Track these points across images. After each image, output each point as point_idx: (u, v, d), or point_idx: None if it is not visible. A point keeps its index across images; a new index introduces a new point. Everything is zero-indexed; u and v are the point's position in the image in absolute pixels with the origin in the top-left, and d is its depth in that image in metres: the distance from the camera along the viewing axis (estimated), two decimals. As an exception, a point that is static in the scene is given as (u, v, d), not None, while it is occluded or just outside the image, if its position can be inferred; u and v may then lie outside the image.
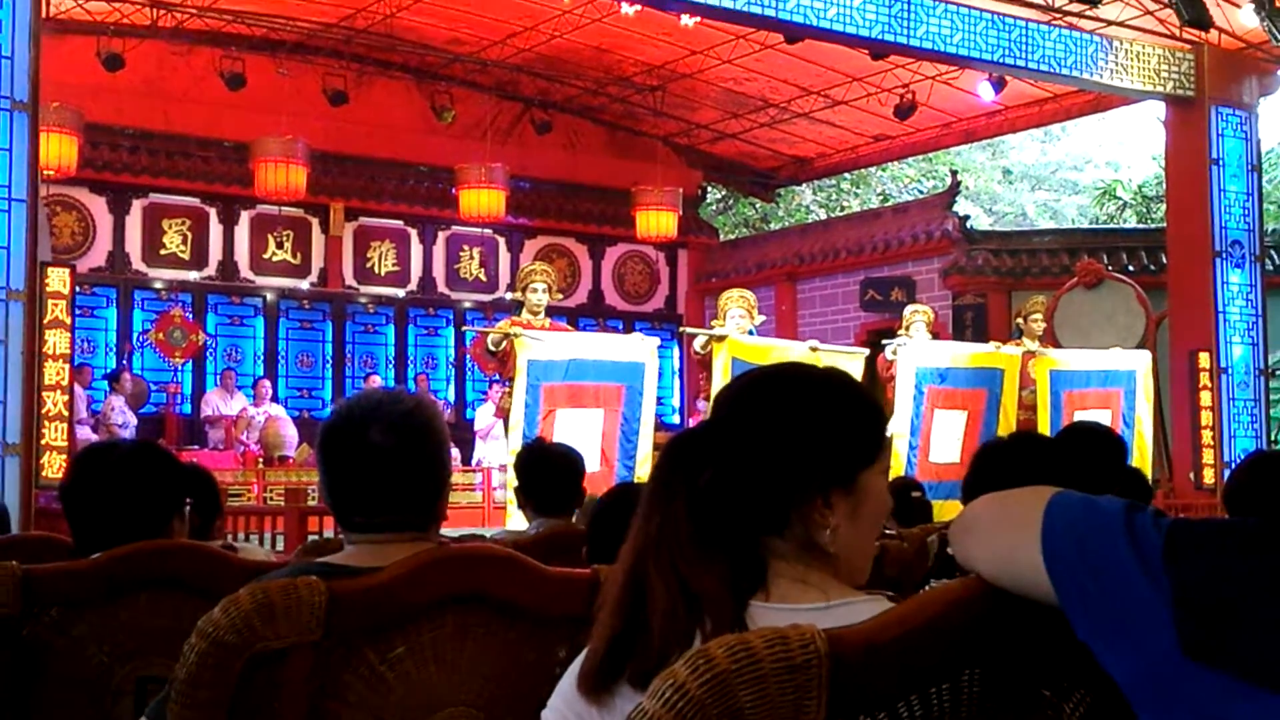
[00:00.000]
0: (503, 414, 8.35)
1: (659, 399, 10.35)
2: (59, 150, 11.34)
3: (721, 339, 8.26)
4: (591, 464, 6.93)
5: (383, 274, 15.12)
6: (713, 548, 1.24)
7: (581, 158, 15.85)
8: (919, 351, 9.28)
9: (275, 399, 13.57)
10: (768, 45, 12.48)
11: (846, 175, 20.60)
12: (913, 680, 0.98)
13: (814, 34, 10.19)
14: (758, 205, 20.89)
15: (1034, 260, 14.01)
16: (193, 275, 14.10)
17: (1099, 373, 10.05)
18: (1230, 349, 11.38)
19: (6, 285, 6.90)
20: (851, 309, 15.00)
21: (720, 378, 8.02)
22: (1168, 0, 10.25)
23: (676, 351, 15.84)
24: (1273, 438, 12.13)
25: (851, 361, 8.75)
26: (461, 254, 15.58)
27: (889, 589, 1.38)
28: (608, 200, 15.86)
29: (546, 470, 3.73)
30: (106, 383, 12.69)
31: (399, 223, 15.18)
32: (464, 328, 14.20)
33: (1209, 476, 11.15)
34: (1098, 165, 27.01)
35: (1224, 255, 11.34)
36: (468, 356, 14.86)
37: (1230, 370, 11.37)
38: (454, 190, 14.05)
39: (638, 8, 11.24)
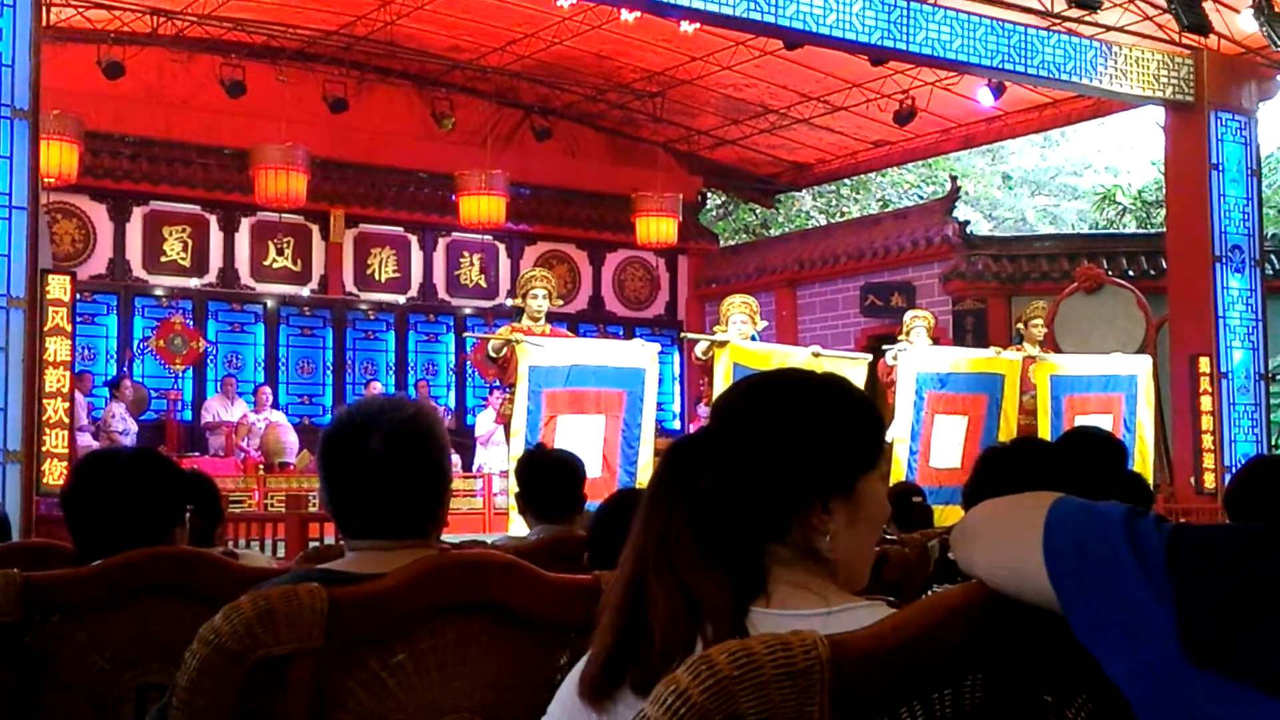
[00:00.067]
0: (503, 420, 8.35)
1: (659, 405, 10.35)
2: (60, 158, 11.35)
3: (723, 344, 8.26)
4: (593, 469, 6.94)
5: (383, 280, 15.13)
6: (713, 553, 1.24)
7: (581, 164, 15.86)
8: (919, 357, 9.28)
9: (276, 405, 13.57)
10: (767, 51, 12.49)
11: (846, 181, 20.61)
12: (915, 686, 0.98)
13: (813, 40, 10.19)
14: (758, 211, 20.91)
15: (1034, 265, 14.01)
16: (193, 282, 14.10)
17: (1100, 378, 10.05)
18: (1230, 354, 11.38)
19: (7, 292, 6.90)
20: (852, 314, 15.01)
21: (722, 383, 8.01)
22: (1167, 5, 10.26)
23: (677, 357, 15.84)
24: (1273, 442, 12.13)
25: (854, 367, 8.74)
26: (462, 260, 15.58)
27: (890, 594, 1.38)
28: (608, 206, 15.88)
29: (547, 476, 3.73)
30: (107, 390, 12.70)
31: (399, 229, 15.18)
32: (464, 334, 14.20)
33: (1209, 481, 11.15)
34: (1097, 170, 27.02)
35: (1224, 260, 11.34)
36: (468, 363, 14.88)
37: (1230, 375, 11.37)
38: (454, 197, 14.05)
39: (637, 14, 11.27)
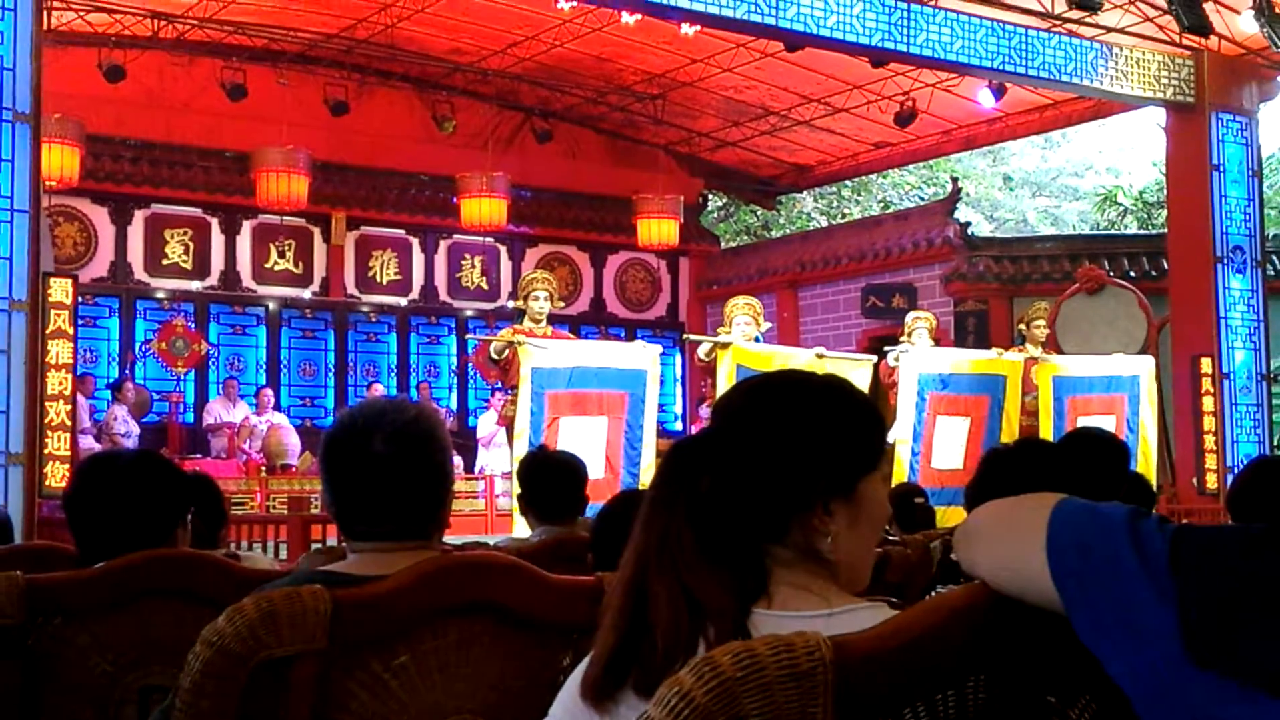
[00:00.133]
0: (505, 422, 8.36)
1: (661, 406, 10.35)
2: (61, 161, 11.36)
3: (726, 346, 8.27)
4: (596, 471, 6.95)
5: (384, 283, 15.14)
6: (714, 554, 1.24)
7: (582, 166, 15.86)
8: (921, 358, 9.28)
9: (278, 408, 13.59)
10: (768, 53, 12.50)
11: (847, 182, 20.62)
12: (918, 687, 0.98)
13: (814, 42, 10.19)
14: (759, 213, 20.90)
15: (1035, 266, 14.01)
16: (195, 285, 14.11)
17: (1102, 378, 10.05)
18: (1232, 354, 11.38)
19: (9, 295, 6.90)
20: (853, 316, 15.00)
21: (725, 384, 8.01)
22: (1168, 7, 10.26)
23: (678, 359, 15.84)
24: (1275, 443, 12.11)
25: (858, 369, 8.74)
26: (463, 263, 15.59)
27: (892, 596, 1.38)
28: (609, 208, 15.88)
29: (549, 477, 3.73)
30: (109, 392, 12.71)
31: (400, 232, 15.19)
32: (466, 336, 14.20)
33: (1212, 482, 11.14)
34: (1098, 171, 27.03)
35: (1225, 261, 11.34)
36: (470, 365, 14.88)
37: (1232, 375, 11.37)
38: (455, 199, 14.06)
39: (638, 17, 11.27)
